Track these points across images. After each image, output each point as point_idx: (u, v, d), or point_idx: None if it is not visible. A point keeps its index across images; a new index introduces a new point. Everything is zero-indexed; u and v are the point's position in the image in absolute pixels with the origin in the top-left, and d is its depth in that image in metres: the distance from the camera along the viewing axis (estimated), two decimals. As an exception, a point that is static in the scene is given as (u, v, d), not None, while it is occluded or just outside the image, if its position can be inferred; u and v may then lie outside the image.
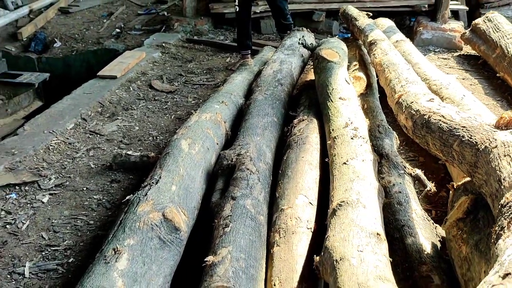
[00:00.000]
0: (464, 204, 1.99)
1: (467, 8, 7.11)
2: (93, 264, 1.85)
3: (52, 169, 3.36)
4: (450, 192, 2.24)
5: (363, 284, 1.58)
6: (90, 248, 2.60)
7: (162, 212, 2.10)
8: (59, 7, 8.54)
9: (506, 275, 1.09)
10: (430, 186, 2.64)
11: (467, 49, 6.02)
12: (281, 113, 3.41)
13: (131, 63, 5.37)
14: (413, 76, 3.10)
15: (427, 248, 2.12)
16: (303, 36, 4.76)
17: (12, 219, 2.85)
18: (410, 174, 2.72)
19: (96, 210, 2.96)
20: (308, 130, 3.02)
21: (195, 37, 6.92)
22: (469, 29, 5.80)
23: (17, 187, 3.12)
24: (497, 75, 4.90)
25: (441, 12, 6.43)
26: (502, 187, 1.53)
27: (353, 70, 4.11)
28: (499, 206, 1.47)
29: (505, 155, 1.64)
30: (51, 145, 3.63)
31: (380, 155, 2.85)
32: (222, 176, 2.70)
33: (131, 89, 4.91)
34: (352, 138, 2.61)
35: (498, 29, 5.06)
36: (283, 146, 3.02)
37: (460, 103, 3.25)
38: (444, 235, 2.17)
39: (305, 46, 4.52)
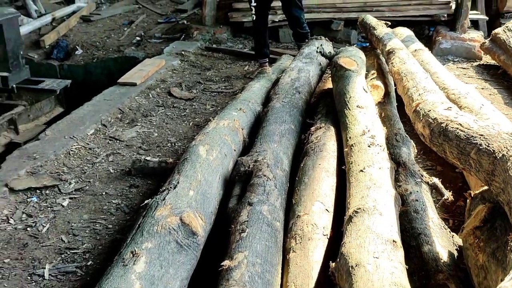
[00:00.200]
0: (481, 213, 1.99)
1: (487, 18, 7.07)
2: (111, 266, 1.88)
3: (72, 173, 3.42)
4: (467, 200, 2.23)
5: (379, 290, 1.58)
6: (109, 251, 2.64)
7: (180, 216, 2.13)
8: (81, 15, 8.69)
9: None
10: (448, 195, 2.63)
11: (487, 59, 5.98)
12: (298, 121, 3.43)
13: (150, 71, 5.44)
14: (431, 85, 3.10)
15: (444, 257, 2.11)
16: (321, 45, 4.78)
17: (33, 222, 2.90)
18: (427, 183, 2.71)
19: (114, 214, 3.00)
20: (325, 138, 3.04)
21: (214, 46, 6.98)
22: (489, 38, 5.77)
23: (38, 191, 3.18)
24: (517, 85, 4.87)
25: (461, 22, 6.41)
26: (519, 195, 1.53)
27: (371, 79, 4.11)
28: (516, 214, 1.46)
29: (522, 163, 1.64)
30: (71, 150, 3.69)
31: (397, 163, 2.85)
32: (239, 182, 2.72)
33: (151, 96, 4.97)
34: (369, 146, 2.62)
35: (518, 38, 5.03)
36: (300, 153, 3.03)
37: (479, 112, 3.23)
38: (461, 244, 2.16)
39: (323, 55, 4.54)
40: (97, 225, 2.89)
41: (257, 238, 2.10)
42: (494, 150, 1.84)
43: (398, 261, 1.77)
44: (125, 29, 8.24)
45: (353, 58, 3.82)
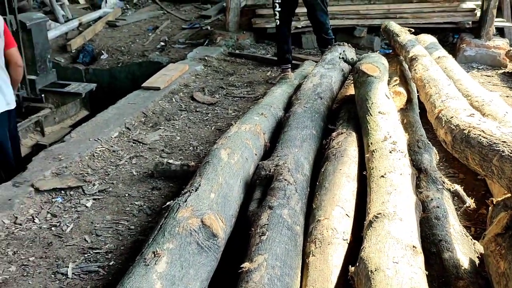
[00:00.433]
0: (503, 220, 1.97)
1: (513, 25, 6.99)
2: (133, 265, 1.91)
3: (96, 175, 3.48)
4: (490, 208, 2.21)
5: (398, 295, 1.59)
6: (131, 252, 2.68)
7: (201, 218, 2.15)
8: (107, 20, 8.84)
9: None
10: (470, 202, 2.61)
11: (512, 67, 5.92)
12: (320, 126, 3.43)
13: (174, 75, 5.51)
14: (454, 92, 3.08)
15: (465, 264, 2.10)
16: (344, 51, 4.78)
17: (57, 222, 2.96)
18: (449, 190, 2.70)
19: (137, 215, 3.04)
20: (346, 143, 3.04)
21: (237, 51, 7.03)
22: (515, 46, 5.70)
23: (62, 192, 3.25)
24: (543, 93, 4.80)
25: (486, 29, 6.35)
26: (541, 202, 1.52)
27: (394, 85, 4.10)
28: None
29: (545, 171, 1.63)
30: (96, 152, 3.76)
31: (419, 169, 2.84)
32: (259, 186, 2.74)
33: (174, 100, 5.03)
34: (390, 152, 2.61)
35: (544, 46, 4.96)
36: (321, 158, 3.04)
37: (503, 120, 3.20)
38: (483, 251, 2.15)
39: (345, 61, 4.54)
40: (119, 226, 2.93)
41: (277, 241, 2.12)
42: (516, 157, 1.82)
43: (418, 267, 1.77)
44: (150, 34, 8.35)
45: (375, 64, 3.82)
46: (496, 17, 6.54)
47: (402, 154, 2.61)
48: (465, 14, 7.01)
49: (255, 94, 5.32)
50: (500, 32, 6.91)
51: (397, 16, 7.04)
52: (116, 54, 7.77)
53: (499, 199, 2.15)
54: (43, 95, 5.47)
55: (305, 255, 2.18)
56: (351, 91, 4.30)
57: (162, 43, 7.92)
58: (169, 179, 3.43)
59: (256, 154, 3.05)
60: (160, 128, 4.36)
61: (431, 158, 3.02)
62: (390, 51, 6.05)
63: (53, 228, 2.91)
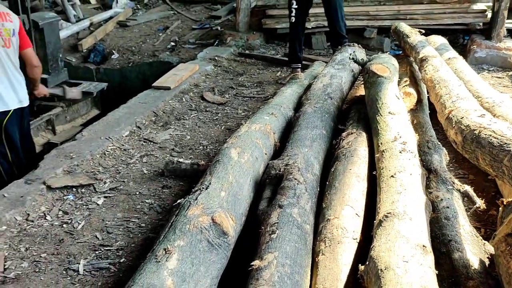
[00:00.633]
0: (513, 220, 1.97)
1: (524, 27, 6.96)
2: (144, 262, 1.93)
3: (107, 173, 3.51)
4: (500, 208, 2.22)
5: (408, 294, 1.59)
6: (141, 249, 2.70)
7: (211, 216, 2.16)
8: (118, 20, 8.89)
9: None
10: (480, 203, 2.61)
11: (523, 68, 5.89)
12: (330, 126, 3.44)
13: (184, 75, 5.53)
14: (464, 93, 3.08)
15: (475, 264, 2.10)
16: (354, 52, 4.78)
17: (69, 219, 2.99)
18: (459, 190, 2.69)
19: (147, 213, 3.07)
20: (356, 143, 3.05)
21: (247, 51, 7.05)
22: (526, 48, 5.68)
23: (74, 189, 3.28)
24: (554, 95, 4.77)
25: (497, 31, 6.33)
26: (552, 202, 1.52)
27: (404, 86, 4.10)
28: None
29: (556, 171, 1.63)
30: (107, 151, 3.79)
31: (429, 170, 2.84)
32: (269, 185, 2.75)
33: (184, 100, 5.05)
34: (400, 152, 2.62)
35: (556, 48, 4.94)
36: (331, 158, 3.05)
37: (514, 121, 3.20)
38: (493, 252, 2.15)
39: (355, 61, 4.54)
40: (130, 224, 2.96)
41: (287, 240, 2.13)
42: (527, 158, 1.83)
43: (427, 266, 1.77)
44: (160, 34, 8.39)
45: (386, 64, 3.82)
46: (507, 18, 6.50)
47: (412, 154, 2.61)
48: (476, 16, 6.99)
49: (264, 94, 5.33)
50: (511, 33, 6.88)
51: (407, 17, 7.03)
52: (127, 54, 7.82)
53: (510, 199, 2.15)
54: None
55: (314, 253, 2.19)
56: (360, 91, 4.31)
57: (173, 43, 7.95)
58: (179, 177, 3.46)
59: (266, 154, 3.06)
60: (170, 127, 4.38)
61: (441, 158, 3.02)
62: (400, 52, 6.04)
63: (64, 225, 2.94)
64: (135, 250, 2.72)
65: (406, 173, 2.40)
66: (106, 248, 2.74)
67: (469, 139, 2.29)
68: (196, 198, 2.26)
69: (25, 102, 3.99)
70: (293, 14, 5.34)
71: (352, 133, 3.21)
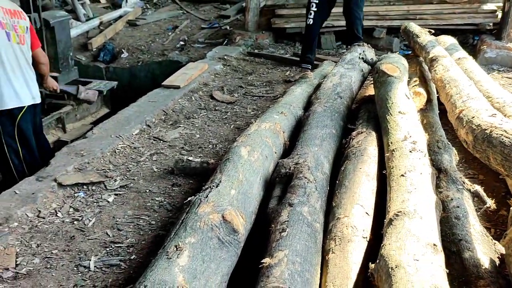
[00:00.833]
0: (524, 220, 1.97)
1: (535, 27, 6.91)
2: (156, 259, 1.94)
3: (118, 171, 3.53)
4: (511, 208, 2.21)
5: (419, 291, 1.60)
6: (151, 246, 2.71)
7: (222, 214, 2.17)
8: (127, 19, 8.92)
9: None
10: (490, 202, 2.61)
11: (534, 69, 5.85)
12: (339, 125, 3.45)
13: (194, 74, 5.55)
14: (475, 92, 3.08)
15: (485, 263, 2.10)
16: (363, 51, 4.79)
17: (80, 216, 3.01)
18: (469, 190, 2.69)
19: (157, 211, 3.08)
20: (366, 143, 3.05)
21: (256, 51, 7.05)
22: (536, 48, 5.65)
23: (85, 187, 3.30)
24: None
25: (507, 31, 6.30)
26: None
27: (413, 86, 4.10)
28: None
29: None
30: (117, 149, 3.81)
31: (439, 170, 2.84)
32: (279, 184, 2.76)
33: (193, 99, 5.07)
34: (410, 152, 2.62)
35: None
36: (341, 157, 3.05)
37: (524, 121, 3.18)
38: (503, 251, 2.14)
39: (365, 61, 4.55)
40: (140, 221, 2.97)
41: (297, 238, 2.13)
42: (539, 157, 1.82)
43: (438, 265, 1.78)
44: (170, 33, 8.41)
45: (395, 64, 3.82)
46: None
47: (422, 154, 2.62)
48: (486, 16, 6.96)
49: (274, 94, 5.34)
50: (522, 34, 6.84)
51: (416, 17, 7.01)
52: (136, 53, 7.85)
53: (521, 199, 2.15)
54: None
55: (324, 252, 2.20)
56: (370, 91, 4.31)
57: (182, 43, 7.98)
58: (189, 176, 3.47)
59: (275, 152, 3.07)
60: (180, 126, 4.40)
61: (451, 158, 3.02)
62: (410, 52, 6.03)
63: (75, 222, 2.96)
64: (145, 247, 2.73)
65: (416, 172, 2.41)
66: (117, 245, 2.75)
67: (480, 138, 2.29)
68: (207, 196, 2.28)
69: (38, 99, 4.02)
70: (311, 16, 5.37)
71: (362, 132, 3.21)
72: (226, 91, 5.40)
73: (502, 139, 2.09)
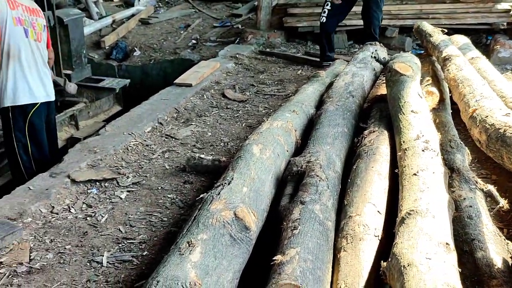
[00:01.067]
0: (538, 220, 1.96)
1: (550, 27, 6.85)
2: (168, 255, 1.95)
3: (130, 168, 3.55)
4: (524, 208, 2.20)
5: (431, 290, 1.59)
6: (163, 243, 2.73)
7: (234, 211, 2.18)
8: (140, 18, 8.97)
9: None
10: (503, 202, 2.59)
11: (548, 69, 5.80)
12: (351, 124, 3.44)
13: (206, 73, 5.57)
14: (488, 92, 3.06)
15: (498, 263, 2.09)
16: (376, 50, 4.78)
17: (92, 212, 3.04)
18: (482, 190, 2.68)
19: (169, 208, 3.10)
20: (378, 141, 3.04)
21: (268, 50, 7.06)
22: (551, 48, 5.60)
23: (97, 183, 3.32)
24: None
25: (521, 30, 6.25)
26: None
27: (426, 85, 4.08)
28: None
29: None
30: (129, 146, 3.84)
31: (451, 169, 2.83)
32: (291, 182, 2.76)
33: (205, 97, 5.09)
34: (423, 151, 2.61)
35: None
36: (353, 156, 3.05)
37: (538, 121, 3.16)
38: (516, 252, 2.14)
39: (377, 60, 4.54)
40: (152, 218, 2.99)
41: (309, 236, 2.14)
42: (554, 157, 1.81)
43: (451, 264, 1.77)
44: (182, 32, 8.45)
45: (408, 63, 3.80)
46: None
47: (434, 153, 2.61)
48: (500, 15, 6.90)
49: (285, 92, 5.34)
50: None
51: (429, 17, 6.97)
52: (149, 51, 7.89)
53: (534, 199, 2.14)
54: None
55: (336, 250, 2.20)
56: (382, 90, 4.30)
57: (194, 41, 8.01)
58: (201, 173, 3.49)
59: (287, 151, 3.07)
60: (191, 124, 4.42)
61: (463, 158, 3.00)
62: (422, 51, 6.00)
63: (88, 218, 2.98)
64: (157, 243, 2.75)
65: (429, 171, 2.40)
66: (129, 241, 2.77)
67: (494, 138, 2.28)
68: (219, 193, 2.29)
69: (52, 96, 4.06)
70: (324, 14, 5.37)
71: (374, 131, 3.21)
72: (238, 90, 5.41)
73: (516, 138, 2.08)
